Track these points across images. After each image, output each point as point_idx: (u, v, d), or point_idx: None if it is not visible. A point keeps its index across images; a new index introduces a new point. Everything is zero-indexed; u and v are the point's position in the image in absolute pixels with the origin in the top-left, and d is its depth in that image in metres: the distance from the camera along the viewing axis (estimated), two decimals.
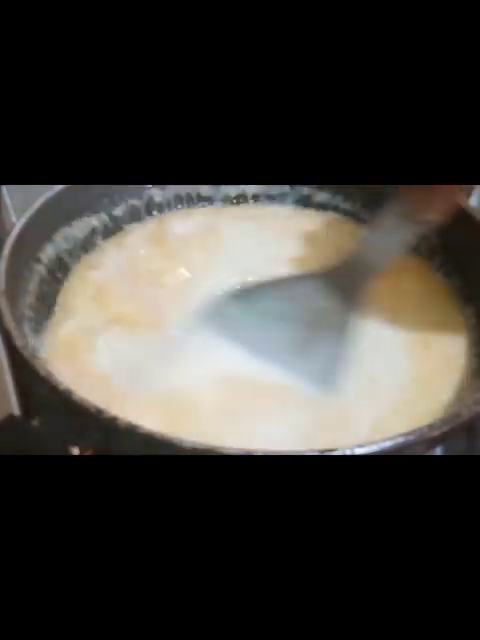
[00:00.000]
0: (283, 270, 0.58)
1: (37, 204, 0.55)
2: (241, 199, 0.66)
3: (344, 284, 0.51)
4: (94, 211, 0.60)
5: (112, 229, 0.62)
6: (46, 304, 0.54)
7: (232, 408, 0.48)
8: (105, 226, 0.61)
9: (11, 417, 0.41)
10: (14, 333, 0.45)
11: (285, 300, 0.52)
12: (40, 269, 0.55)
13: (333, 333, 0.51)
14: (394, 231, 0.49)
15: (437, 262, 0.60)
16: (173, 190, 0.64)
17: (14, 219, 0.57)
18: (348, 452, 0.39)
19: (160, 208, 0.64)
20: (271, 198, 0.66)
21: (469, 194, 0.64)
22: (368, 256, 0.51)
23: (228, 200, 0.66)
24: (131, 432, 0.39)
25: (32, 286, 0.54)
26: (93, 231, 0.60)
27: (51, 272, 0.56)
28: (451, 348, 0.53)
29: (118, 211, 0.62)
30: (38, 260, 0.55)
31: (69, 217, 0.58)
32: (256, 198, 0.66)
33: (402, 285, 0.58)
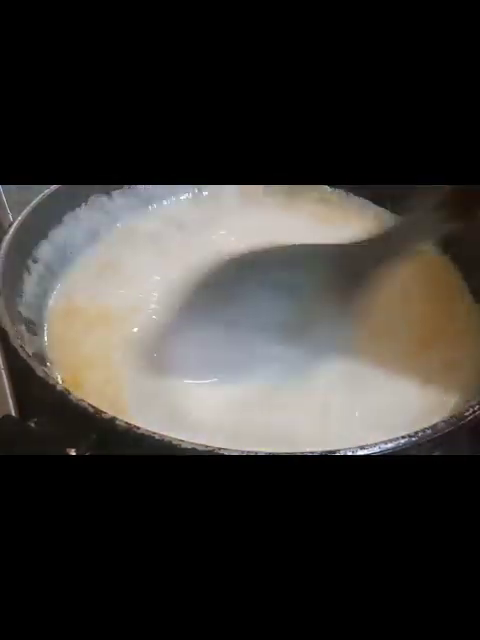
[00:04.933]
0: None
1: (34, 203, 0.54)
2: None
3: (358, 265, 0.50)
4: (91, 209, 0.60)
5: (109, 227, 0.61)
6: (43, 304, 0.54)
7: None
8: (102, 224, 0.61)
9: (7, 418, 0.41)
10: (11, 333, 0.45)
11: (292, 269, 0.51)
12: (37, 268, 0.55)
13: (335, 315, 0.51)
14: (422, 225, 0.48)
15: (446, 259, 0.60)
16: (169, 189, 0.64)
17: (11, 217, 0.57)
18: (350, 453, 0.39)
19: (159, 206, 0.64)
20: None
21: None
22: (390, 242, 0.50)
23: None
24: (130, 433, 0.39)
25: (29, 286, 0.53)
26: (90, 230, 0.60)
27: (48, 271, 0.56)
28: (459, 347, 0.53)
29: (115, 209, 0.62)
30: (35, 259, 0.55)
31: (65, 215, 0.58)
32: None
33: (411, 282, 0.57)
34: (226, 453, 0.38)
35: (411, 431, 0.41)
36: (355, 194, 0.65)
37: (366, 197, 0.65)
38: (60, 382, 0.42)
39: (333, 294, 0.51)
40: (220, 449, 0.38)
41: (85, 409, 0.40)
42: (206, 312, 0.51)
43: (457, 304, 0.57)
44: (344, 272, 0.50)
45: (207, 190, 0.65)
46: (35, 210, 0.54)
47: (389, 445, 0.40)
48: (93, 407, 0.40)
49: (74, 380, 0.48)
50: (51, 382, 0.42)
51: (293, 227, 0.62)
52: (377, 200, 0.65)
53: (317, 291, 0.51)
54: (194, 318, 0.51)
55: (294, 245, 0.53)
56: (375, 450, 0.39)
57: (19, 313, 0.50)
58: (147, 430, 0.39)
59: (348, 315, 0.51)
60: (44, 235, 0.56)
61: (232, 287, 0.51)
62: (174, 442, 0.38)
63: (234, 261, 0.52)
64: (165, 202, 0.64)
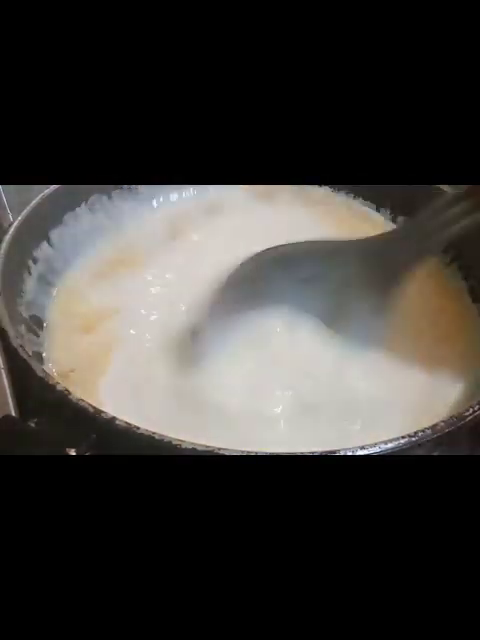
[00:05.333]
0: None
1: (34, 203, 0.54)
2: None
3: (390, 261, 0.49)
4: (91, 209, 0.60)
5: (108, 228, 0.61)
6: (43, 303, 0.54)
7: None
8: (102, 224, 0.61)
9: (7, 418, 0.41)
10: (11, 333, 0.45)
11: (324, 265, 0.50)
12: (37, 268, 0.55)
13: (367, 312, 0.50)
14: (444, 219, 0.47)
15: (446, 260, 0.60)
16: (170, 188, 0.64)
17: (11, 217, 0.57)
18: (349, 453, 0.39)
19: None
20: None
21: None
22: (416, 238, 0.48)
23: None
24: (129, 433, 0.39)
25: (29, 286, 0.53)
26: (90, 230, 0.60)
27: (48, 271, 0.56)
28: (458, 348, 0.53)
29: (115, 209, 0.62)
30: (35, 259, 0.55)
31: (65, 215, 0.58)
32: None
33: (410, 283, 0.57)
34: (226, 453, 0.38)
35: (410, 430, 0.41)
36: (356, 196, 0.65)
37: (367, 199, 0.65)
38: (60, 382, 0.42)
39: (366, 290, 0.50)
40: (220, 449, 0.38)
41: (85, 409, 0.40)
42: (234, 311, 0.50)
43: (455, 303, 0.57)
44: (376, 268, 0.49)
45: (209, 188, 0.65)
46: (35, 210, 0.54)
47: (389, 445, 0.40)
48: (93, 407, 0.40)
49: (72, 378, 0.48)
50: (51, 382, 0.42)
51: (299, 224, 0.63)
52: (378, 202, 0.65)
53: (349, 287, 0.50)
54: (222, 318, 0.49)
55: (322, 240, 0.51)
56: (375, 450, 0.39)
57: (19, 313, 0.50)
58: (147, 430, 0.39)
59: (381, 312, 0.50)
60: (44, 235, 0.56)
61: (261, 285, 0.50)
62: (174, 442, 0.38)
63: (262, 258, 0.50)
64: (166, 202, 0.64)
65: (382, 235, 0.51)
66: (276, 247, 0.50)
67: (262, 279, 0.50)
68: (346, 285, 0.50)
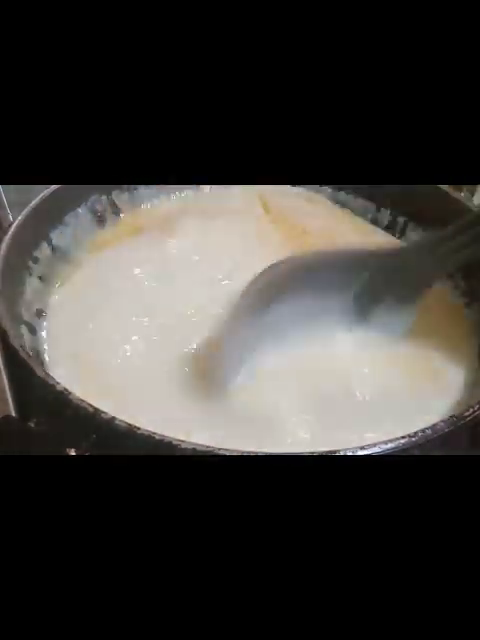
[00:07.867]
0: None
1: (34, 203, 0.54)
2: None
3: (404, 276, 0.51)
4: (91, 209, 0.60)
5: (109, 228, 0.61)
6: (43, 304, 0.54)
7: None
8: (102, 224, 0.61)
9: (7, 418, 0.41)
10: (11, 333, 0.45)
11: (342, 275, 0.51)
12: (37, 268, 0.55)
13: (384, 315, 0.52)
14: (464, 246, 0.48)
15: None
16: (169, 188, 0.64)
17: (11, 217, 0.57)
18: (349, 453, 0.39)
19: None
20: None
21: (473, 193, 0.65)
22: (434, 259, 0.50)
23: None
24: (130, 433, 0.39)
25: (29, 286, 0.53)
26: (90, 229, 0.60)
27: (48, 271, 0.56)
28: (458, 348, 0.53)
29: (115, 208, 0.62)
30: (35, 259, 0.55)
31: (66, 215, 0.58)
32: None
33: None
34: (226, 453, 0.38)
35: (404, 430, 0.41)
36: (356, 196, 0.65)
37: (367, 199, 0.65)
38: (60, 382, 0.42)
39: (384, 298, 0.52)
40: (220, 449, 0.38)
41: (85, 409, 0.40)
42: (250, 315, 0.49)
43: (455, 304, 0.57)
44: (394, 282, 0.51)
45: (208, 188, 0.65)
46: (35, 210, 0.54)
47: (389, 445, 0.40)
48: (93, 407, 0.40)
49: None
50: (51, 382, 0.42)
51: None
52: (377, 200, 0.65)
53: (367, 295, 0.52)
54: (240, 332, 0.49)
55: (339, 251, 0.53)
56: (375, 450, 0.39)
57: (19, 313, 0.50)
58: (147, 430, 0.39)
59: (398, 320, 0.52)
60: (44, 235, 0.56)
61: (277, 295, 0.50)
62: (174, 442, 0.38)
63: (278, 270, 0.49)
64: (166, 201, 0.64)
65: (400, 249, 0.53)
66: (292, 258, 0.50)
67: (279, 289, 0.49)
68: (364, 293, 0.51)
